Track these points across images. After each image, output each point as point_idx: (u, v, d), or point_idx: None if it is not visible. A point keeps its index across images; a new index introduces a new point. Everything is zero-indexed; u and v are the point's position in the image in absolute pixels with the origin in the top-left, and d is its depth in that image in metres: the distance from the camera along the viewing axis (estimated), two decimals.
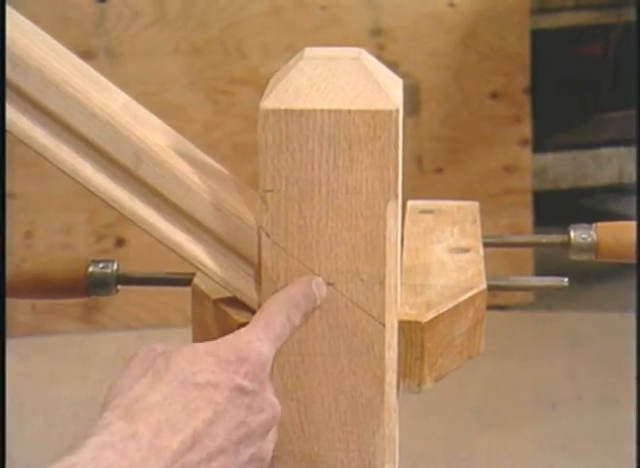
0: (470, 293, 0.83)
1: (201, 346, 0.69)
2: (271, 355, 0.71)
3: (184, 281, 0.87)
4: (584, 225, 0.97)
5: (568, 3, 2.85)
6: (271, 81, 0.75)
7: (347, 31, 2.69)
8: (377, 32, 2.71)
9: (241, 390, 0.68)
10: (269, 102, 0.72)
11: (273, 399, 0.71)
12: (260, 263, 0.75)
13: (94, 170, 0.75)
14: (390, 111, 0.71)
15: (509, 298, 2.67)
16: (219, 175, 0.79)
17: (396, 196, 0.73)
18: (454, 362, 0.82)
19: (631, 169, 2.94)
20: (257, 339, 0.70)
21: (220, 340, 0.70)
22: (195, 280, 0.83)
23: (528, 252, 2.73)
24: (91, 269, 0.95)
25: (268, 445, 0.71)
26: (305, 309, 0.74)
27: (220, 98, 2.69)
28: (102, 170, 0.75)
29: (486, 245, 0.94)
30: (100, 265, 0.95)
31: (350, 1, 2.69)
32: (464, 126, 2.77)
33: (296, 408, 0.76)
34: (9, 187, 2.48)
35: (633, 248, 0.94)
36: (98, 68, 0.78)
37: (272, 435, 0.72)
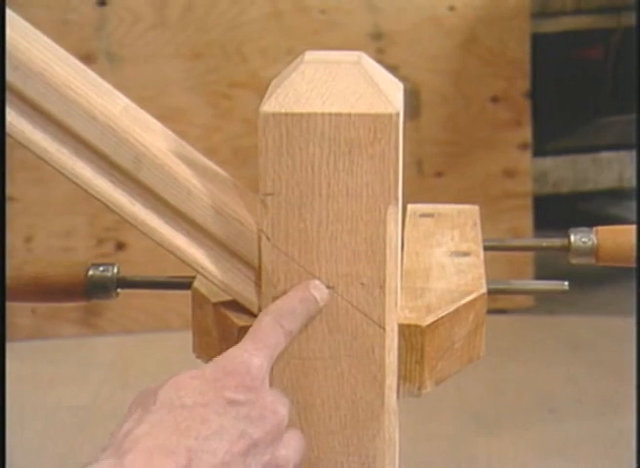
0: (470, 297, 0.83)
1: (187, 373, 0.69)
2: (264, 363, 0.70)
3: (184, 284, 0.87)
4: (585, 229, 0.97)
5: (568, 7, 2.85)
6: (271, 85, 0.75)
7: (347, 35, 2.69)
8: (377, 36, 2.71)
9: (233, 403, 0.68)
10: (270, 106, 0.72)
11: (275, 405, 0.70)
12: (260, 267, 0.75)
13: (94, 173, 0.75)
14: (391, 115, 0.71)
15: (510, 302, 2.67)
16: (219, 179, 0.79)
17: (396, 200, 0.73)
18: (454, 366, 0.82)
19: (631, 173, 2.94)
20: (243, 352, 0.70)
21: (207, 364, 0.70)
22: (195, 283, 0.83)
23: (528, 255, 2.73)
24: (91, 273, 0.95)
25: (286, 451, 0.71)
26: (305, 312, 0.74)
27: (221, 102, 2.69)
28: (103, 173, 0.75)
29: (486, 248, 0.94)
30: (101, 269, 0.95)
31: (350, 5, 2.69)
32: (465, 130, 2.77)
33: (295, 411, 0.76)
34: (9, 191, 2.48)
35: (633, 252, 0.94)
36: (98, 72, 0.78)
37: (290, 441, 0.71)
